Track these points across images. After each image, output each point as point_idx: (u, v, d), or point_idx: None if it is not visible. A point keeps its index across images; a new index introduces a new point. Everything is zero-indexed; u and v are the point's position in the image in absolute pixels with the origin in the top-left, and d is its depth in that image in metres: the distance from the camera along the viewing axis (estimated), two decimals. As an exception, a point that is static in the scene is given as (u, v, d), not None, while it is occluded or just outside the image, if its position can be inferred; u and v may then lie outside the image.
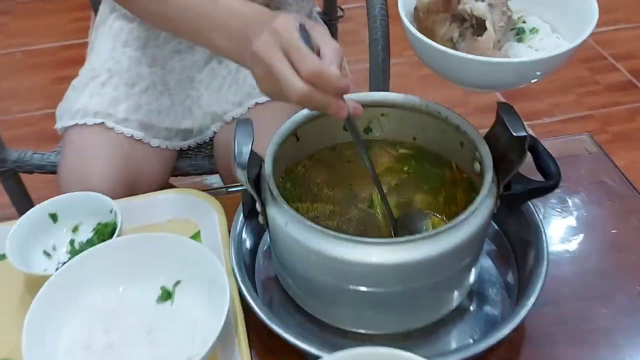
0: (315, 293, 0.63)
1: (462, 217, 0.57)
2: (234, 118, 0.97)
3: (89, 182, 0.88)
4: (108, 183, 0.89)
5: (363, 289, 0.58)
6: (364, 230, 0.67)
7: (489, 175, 0.61)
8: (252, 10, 0.66)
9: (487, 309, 0.67)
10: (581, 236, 0.77)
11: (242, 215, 0.71)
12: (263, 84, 0.61)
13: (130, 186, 0.93)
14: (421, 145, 0.74)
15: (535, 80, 0.62)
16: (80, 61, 1.08)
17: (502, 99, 1.77)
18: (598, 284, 0.71)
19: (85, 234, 0.75)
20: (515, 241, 0.72)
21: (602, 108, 1.93)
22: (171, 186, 1.31)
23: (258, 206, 0.62)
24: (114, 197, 0.80)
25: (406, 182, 0.72)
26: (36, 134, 1.92)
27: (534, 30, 0.65)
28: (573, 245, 0.75)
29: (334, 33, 1.32)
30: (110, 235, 0.71)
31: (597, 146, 0.88)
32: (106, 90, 0.97)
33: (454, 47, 0.64)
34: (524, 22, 0.66)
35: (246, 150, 0.59)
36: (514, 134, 0.59)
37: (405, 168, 0.73)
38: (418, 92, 0.72)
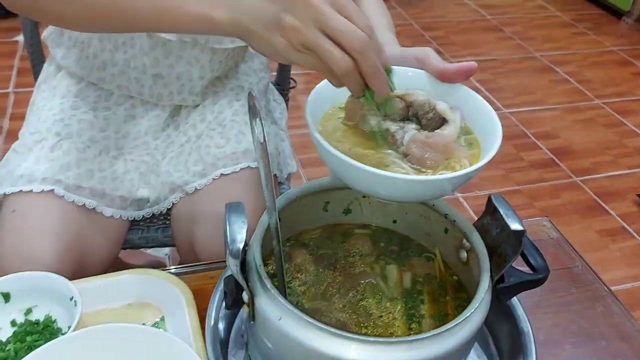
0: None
1: (468, 312, 0.55)
2: (196, 189, 0.92)
3: (34, 257, 0.80)
4: (55, 258, 0.81)
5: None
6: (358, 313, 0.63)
7: (486, 269, 0.60)
8: None
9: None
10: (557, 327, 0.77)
11: (216, 303, 0.66)
12: (293, 34, 0.54)
13: (78, 261, 0.84)
14: (401, 232, 0.73)
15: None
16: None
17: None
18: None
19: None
20: (501, 336, 0.71)
21: (528, 184, 2.03)
22: (122, 262, 1.22)
23: (245, 297, 0.58)
24: (60, 274, 0.72)
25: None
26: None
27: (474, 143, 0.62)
28: (552, 334, 0.76)
29: (286, 102, 1.32)
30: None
31: (557, 231, 0.91)
32: (56, 154, 0.89)
33: (393, 139, 0.61)
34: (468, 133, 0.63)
35: (240, 238, 0.55)
36: (512, 228, 0.59)
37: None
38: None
